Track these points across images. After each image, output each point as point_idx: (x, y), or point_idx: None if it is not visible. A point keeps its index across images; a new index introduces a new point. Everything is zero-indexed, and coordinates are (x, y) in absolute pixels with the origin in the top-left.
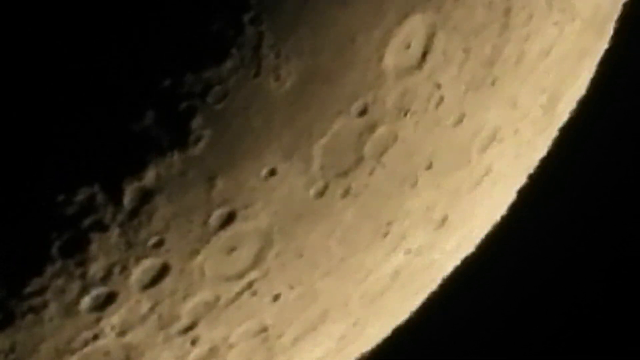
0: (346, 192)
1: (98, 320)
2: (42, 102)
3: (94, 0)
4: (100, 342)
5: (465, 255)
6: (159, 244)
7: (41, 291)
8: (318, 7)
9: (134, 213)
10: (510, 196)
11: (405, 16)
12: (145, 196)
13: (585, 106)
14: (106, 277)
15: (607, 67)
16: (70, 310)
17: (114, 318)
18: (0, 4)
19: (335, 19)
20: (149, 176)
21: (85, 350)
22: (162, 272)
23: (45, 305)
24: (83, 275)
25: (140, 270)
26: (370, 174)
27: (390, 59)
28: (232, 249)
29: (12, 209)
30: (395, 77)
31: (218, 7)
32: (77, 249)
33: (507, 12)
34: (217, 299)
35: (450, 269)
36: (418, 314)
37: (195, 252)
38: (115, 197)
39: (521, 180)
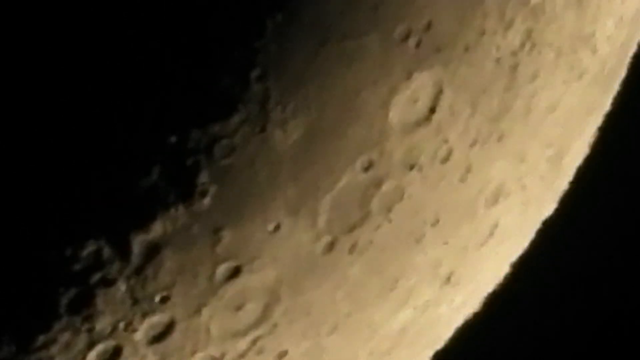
0: (353, 248)
1: None
2: (50, 159)
3: (102, 57)
4: None
5: (472, 312)
6: (165, 299)
7: (48, 346)
8: (324, 64)
9: (140, 268)
10: (518, 252)
11: (412, 72)
12: (152, 251)
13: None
14: (112, 332)
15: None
16: None
17: None
18: (9, 63)
19: (341, 75)
20: (156, 231)
21: None
22: (168, 327)
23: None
24: (89, 330)
25: (147, 326)
26: (377, 229)
27: (397, 115)
28: (239, 304)
29: (20, 264)
30: (402, 132)
31: (225, 63)
32: (84, 304)
33: (514, 68)
34: (223, 355)
35: (457, 325)
36: None
37: (201, 307)
38: (122, 252)
39: (528, 236)
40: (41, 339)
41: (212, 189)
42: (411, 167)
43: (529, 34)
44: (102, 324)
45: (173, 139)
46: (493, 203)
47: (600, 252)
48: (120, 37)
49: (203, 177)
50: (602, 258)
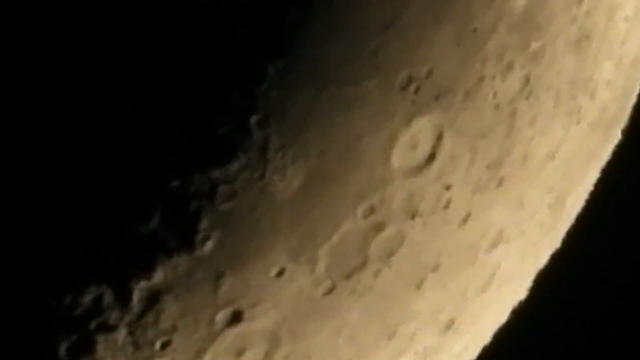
0: (352, 293)
1: None
2: (52, 205)
3: (101, 102)
4: None
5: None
6: (166, 344)
7: None
8: (324, 110)
9: (141, 313)
10: (517, 298)
11: (412, 118)
12: (153, 296)
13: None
14: None
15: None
16: None
17: None
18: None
19: (342, 121)
20: (157, 277)
21: None
22: None
23: None
24: None
25: None
26: (377, 275)
27: (397, 160)
28: (240, 350)
29: (21, 310)
30: (402, 178)
31: (225, 109)
32: (84, 350)
33: (514, 114)
34: None
35: None
36: None
37: (202, 353)
38: (123, 298)
39: (527, 283)
40: None
41: (214, 235)
42: (412, 214)
43: (527, 79)
44: None
45: (174, 184)
46: (493, 249)
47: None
48: (120, 83)
49: (204, 223)
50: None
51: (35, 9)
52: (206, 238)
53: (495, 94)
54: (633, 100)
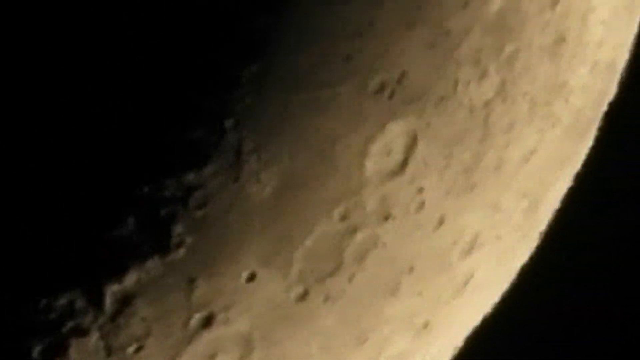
0: (326, 298)
1: None
2: (23, 210)
3: (73, 107)
4: None
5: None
6: (139, 349)
7: None
8: (298, 114)
9: (114, 318)
10: (491, 303)
11: (385, 122)
12: (126, 300)
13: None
14: None
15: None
16: None
17: None
18: None
19: (316, 125)
20: (130, 281)
21: None
22: None
23: None
24: None
25: None
26: (351, 279)
27: (371, 164)
28: (212, 354)
29: None
30: (376, 182)
31: (199, 113)
32: (57, 354)
33: (488, 118)
34: None
35: None
36: None
37: (175, 357)
38: (96, 302)
39: (502, 287)
40: None
41: (187, 239)
42: (385, 217)
43: (503, 83)
44: None
45: (148, 189)
46: (467, 253)
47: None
48: (92, 88)
49: (178, 228)
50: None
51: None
52: (179, 242)
53: (469, 99)
54: (606, 103)
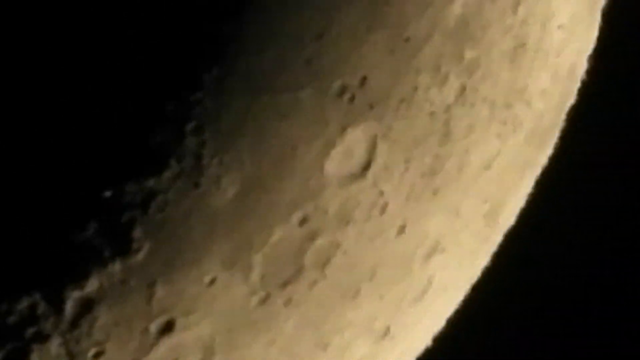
0: (287, 302)
1: None
2: None
3: (32, 111)
4: None
5: None
6: (100, 354)
7: None
8: (259, 118)
9: (75, 322)
10: (453, 307)
11: (346, 126)
12: (86, 305)
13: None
14: None
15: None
16: None
17: None
18: None
19: (276, 129)
20: (91, 285)
21: None
22: None
23: None
24: None
25: None
26: (312, 284)
27: (332, 169)
28: None
29: None
30: (337, 186)
31: (160, 117)
32: (19, 359)
33: (449, 123)
34: None
35: None
36: None
37: None
38: (57, 307)
39: (463, 292)
40: None
41: (147, 244)
42: (346, 221)
43: (463, 88)
44: None
45: (108, 194)
46: (429, 258)
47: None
48: (53, 92)
49: (138, 232)
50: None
51: None
52: (140, 247)
53: (430, 103)
54: (567, 108)
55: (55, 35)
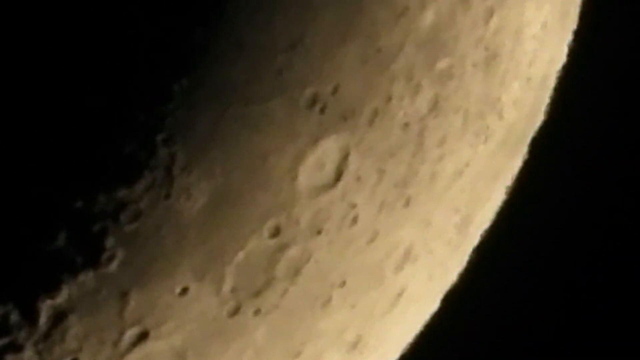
0: (258, 312)
1: None
2: None
3: (7, 126)
4: None
5: None
6: None
7: None
8: (230, 129)
9: (47, 333)
10: (424, 318)
11: (318, 137)
12: (59, 315)
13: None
14: None
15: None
16: None
17: None
18: None
19: (247, 140)
20: (63, 295)
21: None
22: None
23: None
24: None
25: None
26: (283, 294)
27: (304, 179)
28: None
29: None
30: (309, 197)
31: (131, 128)
32: None
33: (422, 133)
34: None
35: None
36: None
37: None
38: (30, 317)
39: (435, 302)
40: None
41: (119, 254)
42: (318, 232)
43: (436, 98)
44: None
45: (79, 204)
46: (400, 267)
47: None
48: (22, 103)
49: (110, 242)
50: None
51: None
52: (112, 256)
53: (403, 113)
54: (540, 118)
55: (24, 51)
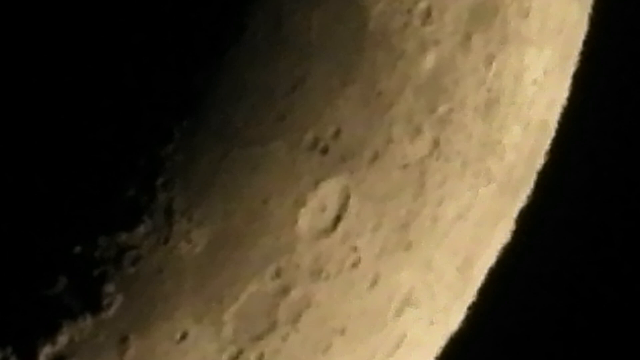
0: (259, 357)
1: None
2: None
3: (6, 170)
4: None
5: None
6: None
7: None
8: (230, 171)
9: None
10: None
11: (319, 179)
12: None
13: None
14: None
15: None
16: None
17: None
18: None
19: (247, 183)
20: (62, 340)
21: None
22: None
23: None
24: None
25: None
26: (284, 339)
27: (305, 222)
28: None
29: None
30: (310, 240)
31: (130, 172)
32: None
33: (422, 176)
34: None
35: None
36: None
37: None
38: None
39: (437, 348)
40: None
41: (119, 299)
42: (319, 275)
43: (436, 141)
44: None
45: (78, 249)
46: (401, 312)
47: None
48: (26, 150)
49: (109, 287)
50: None
51: None
52: (111, 302)
53: (403, 156)
54: (540, 162)
55: (24, 94)
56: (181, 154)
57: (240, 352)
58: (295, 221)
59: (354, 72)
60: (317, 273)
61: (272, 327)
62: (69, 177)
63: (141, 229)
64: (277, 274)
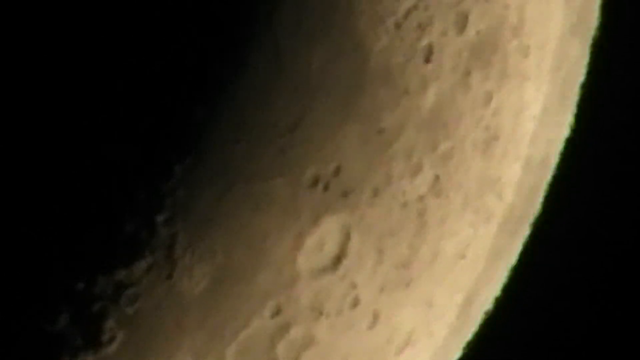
0: None
1: None
2: None
3: (7, 207)
4: None
5: None
6: None
7: None
8: (230, 209)
9: None
10: None
11: (319, 216)
12: None
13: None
14: None
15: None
16: None
17: None
18: None
19: (249, 219)
20: None
21: None
22: None
23: None
24: None
25: None
26: None
27: (304, 260)
28: None
29: None
30: (310, 277)
31: (131, 208)
32: None
33: (422, 213)
34: None
35: None
36: None
37: None
38: None
39: None
40: None
41: (120, 335)
42: (319, 313)
43: (436, 178)
44: None
45: (79, 285)
46: (401, 351)
47: None
48: (27, 186)
49: (110, 323)
50: None
51: None
52: (112, 338)
53: (403, 193)
54: (540, 199)
55: (24, 130)
56: (182, 190)
57: None
58: (295, 258)
59: (355, 109)
60: (317, 310)
61: None
62: (70, 212)
63: (142, 265)
64: (277, 311)
